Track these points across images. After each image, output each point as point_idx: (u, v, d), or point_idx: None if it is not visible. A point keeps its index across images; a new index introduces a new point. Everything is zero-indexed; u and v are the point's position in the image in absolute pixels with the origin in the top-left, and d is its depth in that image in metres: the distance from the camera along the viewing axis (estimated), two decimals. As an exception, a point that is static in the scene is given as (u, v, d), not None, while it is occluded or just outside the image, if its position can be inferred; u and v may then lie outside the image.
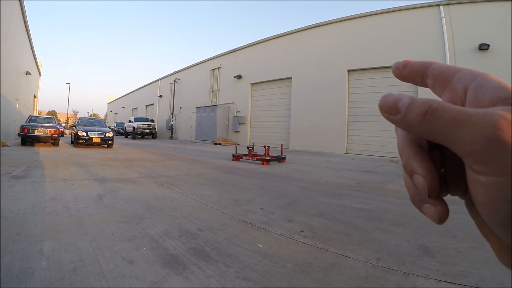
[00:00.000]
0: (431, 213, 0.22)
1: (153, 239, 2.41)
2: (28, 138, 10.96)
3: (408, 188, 0.24)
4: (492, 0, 10.17)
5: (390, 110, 0.21)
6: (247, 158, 8.84)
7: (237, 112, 19.37)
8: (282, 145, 10.66)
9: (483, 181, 0.18)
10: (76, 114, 79.02)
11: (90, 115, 62.85)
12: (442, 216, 0.22)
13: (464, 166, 0.20)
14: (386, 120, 0.22)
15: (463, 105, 0.22)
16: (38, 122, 12.03)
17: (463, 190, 0.24)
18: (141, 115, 32.76)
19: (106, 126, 13.83)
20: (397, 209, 3.66)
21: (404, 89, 10.66)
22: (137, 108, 37.38)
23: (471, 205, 0.22)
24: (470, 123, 0.18)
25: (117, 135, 27.22)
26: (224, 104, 20.26)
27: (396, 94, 0.21)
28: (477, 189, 0.19)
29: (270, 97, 17.41)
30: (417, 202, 0.23)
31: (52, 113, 75.86)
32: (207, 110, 20.25)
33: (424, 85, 0.25)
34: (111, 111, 53.39)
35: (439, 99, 0.23)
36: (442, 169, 0.25)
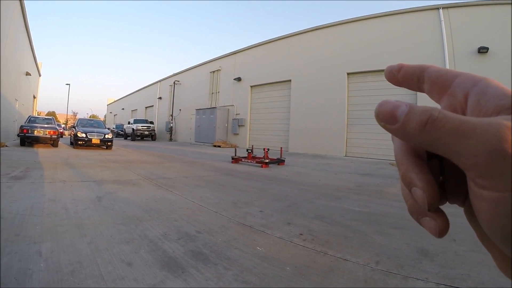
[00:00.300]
0: (431, 227, 0.21)
1: (152, 241, 2.40)
2: (27, 139, 10.94)
3: (406, 200, 0.23)
4: (492, 4, 10.24)
5: (387, 118, 0.19)
6: (246, 160, 8.84)
7: (236, 114, 19.38)
8: (281, 147, 10.67)
9: (487, 196, 0.17)
10: (76, 115, 78.91)
11: (90, 117, 62.79)
12: (442, 230, 0.21)
13: (464, 174, 0.19)
14: None
15: (463, 112, 0.21)
16: (37, 123, 12.02)
17: (462, 199, 0.23)
18: (141, 116, 32.79)
19: (106, 128, 13.82)
20: (396, 212, 3.66)
21: (403, 92, 10.69)
22: (136, 109, 37.39)
23: (471, 214, 0.21)
24: (474, 134, 0.17)
25: (116, 137, 27.17)
26: (224, 106, 20.28)
27: (394, 101, 0.20)
28: (480, 204, 0.18)
29: (269, 99, 17.44)
30: (416, 215, 0.22)
31: (52, 114, 75.78)
32: (207, 112, 20.26)
33: (420, 90, 0.24)
34: (111, 112, 53.41)
35: (437, 104, 0.22)
36: (441, 177, 0.24)
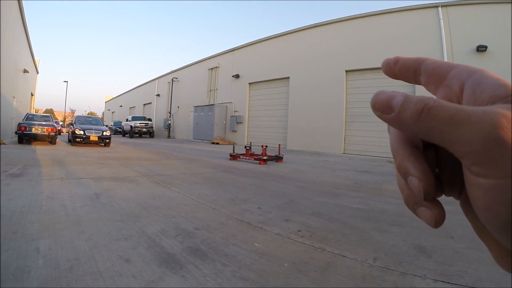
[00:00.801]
0: (427, 217, 0.21)
1: (150, 238, 2.40)
2: (25, 136, 10.87)
3: (402, 190, 0.23)
4: (491, 3, 10.23)
5: (383, 108, 0.20)
6: (244, 157, 8.83)
7: (234, 111, 19.35)
8: (279, 144, 10.68)
9: (483, 184, 0.17)
10: (74, 113, 78.68)
11: (88, 114, 62.57)
12: (438, 220, 0.21)
13: (460, 166, 0.19)
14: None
15: (459, 102, 0.21)
16: (35, 120, 11.93)
17: (458, 191, 0.23)
18: (139, 114, 32.64)
19: (104, 125, 13.77)
20: (394, 209, 3.67)
21: (403, 89, 10.66)
22: (134, 107, 37.24)
23: (467, 206, 0.21)
24: (469, 122, 0.17)
25: (114, 134, 27.12)
26: (222, 103, 20.23)
27: (390, 91, 0.20)
28: (476, 192, 0.18)
29: (268, 96, 17.40)
30: (412, 205, 0.22)
31: (50, 111, 75.36)
32: (205, 109, 20.21)
33: (417, 82, 0.24)
34: (109, 109, 53.16)
35: (433, 96, 0.22)
36: (437, 169, 0.23)
